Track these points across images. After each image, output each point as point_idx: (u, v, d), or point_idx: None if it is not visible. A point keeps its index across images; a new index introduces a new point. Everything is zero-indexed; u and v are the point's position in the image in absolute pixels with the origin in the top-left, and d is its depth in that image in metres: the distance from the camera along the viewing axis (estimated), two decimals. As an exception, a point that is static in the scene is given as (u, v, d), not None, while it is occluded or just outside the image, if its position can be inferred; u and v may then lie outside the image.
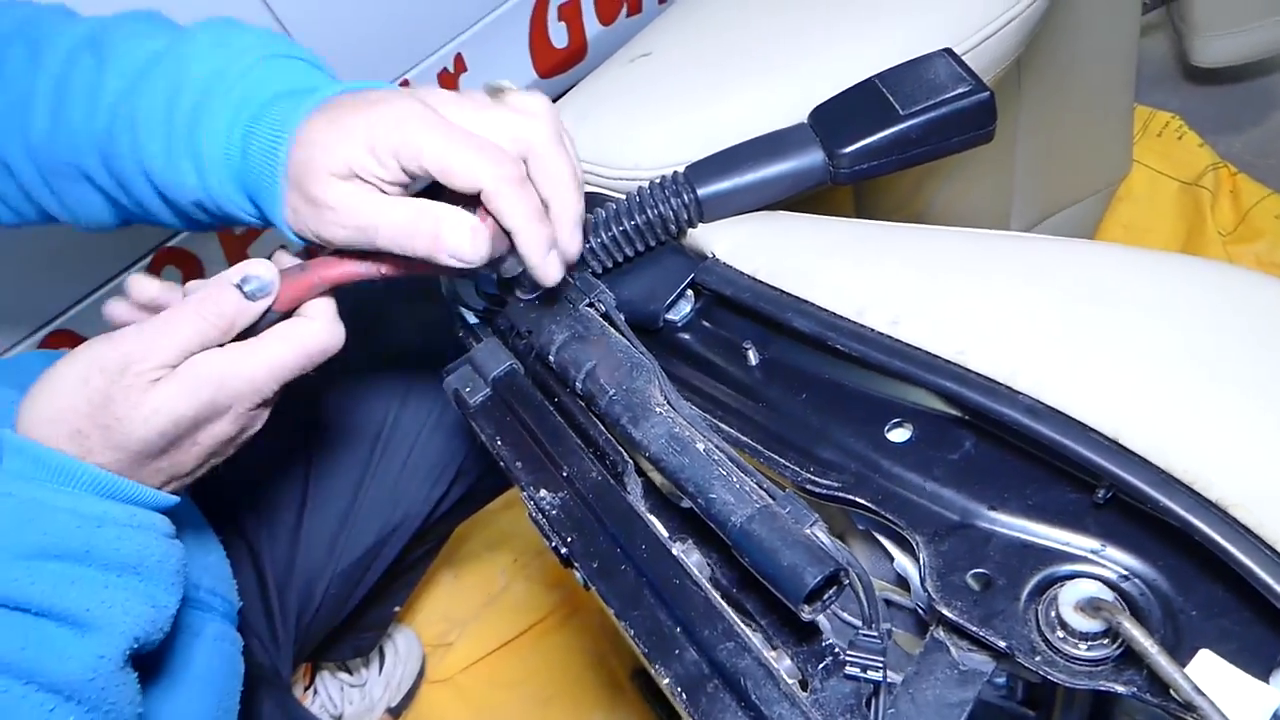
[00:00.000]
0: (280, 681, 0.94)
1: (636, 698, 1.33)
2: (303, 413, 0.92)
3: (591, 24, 1.58)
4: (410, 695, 1.43)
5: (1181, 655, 0.42)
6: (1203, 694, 0.38)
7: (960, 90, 0.61)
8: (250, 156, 0.55)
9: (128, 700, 0.53)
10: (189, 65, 0.57)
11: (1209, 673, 0.41)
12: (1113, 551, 0.47)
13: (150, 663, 0.61)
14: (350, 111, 0.54)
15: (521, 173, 0.54)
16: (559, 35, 1.55)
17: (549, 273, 0.56)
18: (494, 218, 0.54)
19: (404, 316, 0.98)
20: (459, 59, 1.43)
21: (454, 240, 0.53)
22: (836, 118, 0.65)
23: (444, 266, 0.54)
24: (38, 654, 0.49)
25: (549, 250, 0.55)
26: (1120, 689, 0.42)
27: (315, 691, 1.37)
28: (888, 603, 0.57)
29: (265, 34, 0.60)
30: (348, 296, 0.59)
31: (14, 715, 0.47)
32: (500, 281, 0.69)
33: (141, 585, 0.53)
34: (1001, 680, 0.56)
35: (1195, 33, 1.46)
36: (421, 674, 1.45)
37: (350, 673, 1.38)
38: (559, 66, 1.59)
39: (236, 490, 0.90)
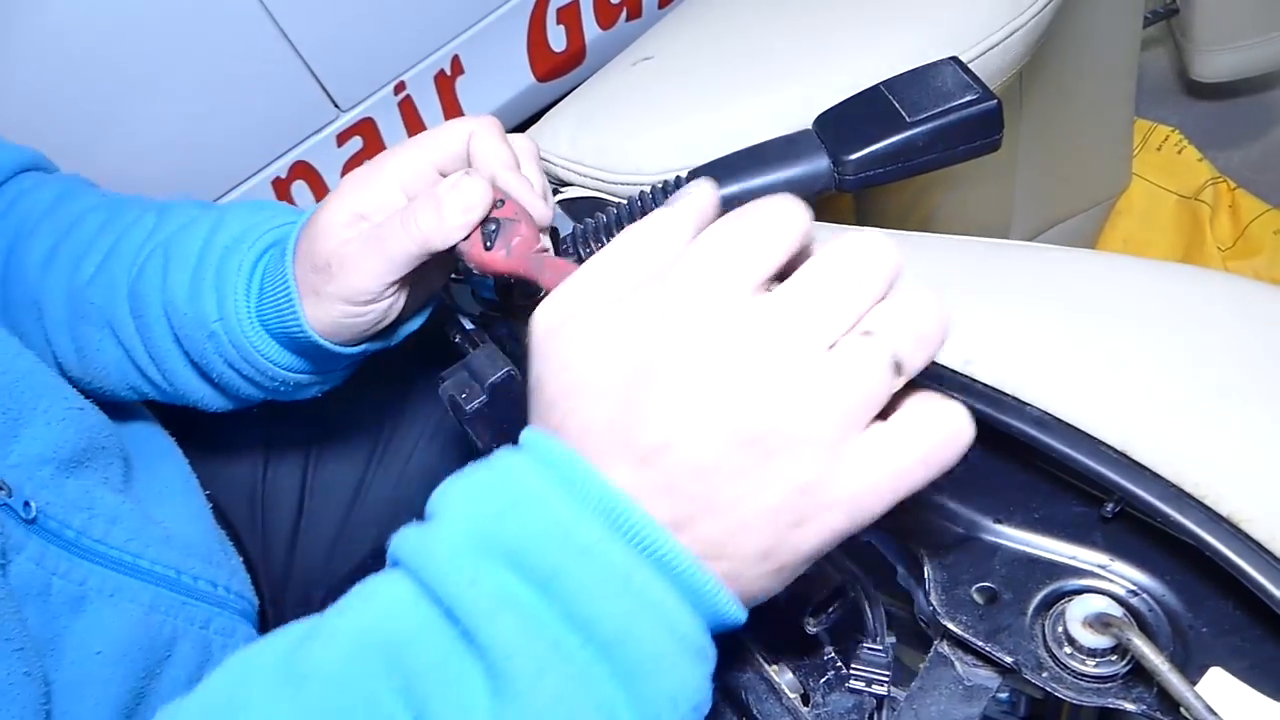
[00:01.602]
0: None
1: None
2: (300, 421, 0.91)
3: (591, 27, 1.58)
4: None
5: (1191, 673, 0.42)
6: (1215, 713, 0.38)
7: (968, 98, 0.61)
8: (267, 270, 0.59)
9: None
10: (228, 217, 0.62)
11: (1220, 691, 0.40)
12: (1121, 566, 0.46)
13: (176, 665, 0.61)
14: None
15: (502, 130, 0.56)
16: (558, 38, 1.55)
17: (544, 209, 0.55)
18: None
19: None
20: (456, 61, 1.42)
21: (452, 191, 0.52)
22: (842, 124, 0.64)
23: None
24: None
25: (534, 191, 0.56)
26: (1130, 706, 0.42)
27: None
28: (889, 615, 0.56)
29: (301, 210, 0.63)
30: None
31: None
32: (499, 288, 0.68)
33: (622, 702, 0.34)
34: (1004, 695, 0.56)
35: (1196, 47, 1.46)
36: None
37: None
38: (557, 70, 1.58)
39: (233, 499, 0.89)
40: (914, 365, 0.35)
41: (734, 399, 0.34)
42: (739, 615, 0.36)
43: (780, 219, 0.36)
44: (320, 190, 1.30)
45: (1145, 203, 1.58)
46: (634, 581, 0.34)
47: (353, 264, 0.54)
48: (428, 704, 0.34)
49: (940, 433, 0.35)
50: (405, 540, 0.37)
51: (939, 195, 1.13)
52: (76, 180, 0.74)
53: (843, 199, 0.94)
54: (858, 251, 0.36)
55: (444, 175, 0.56)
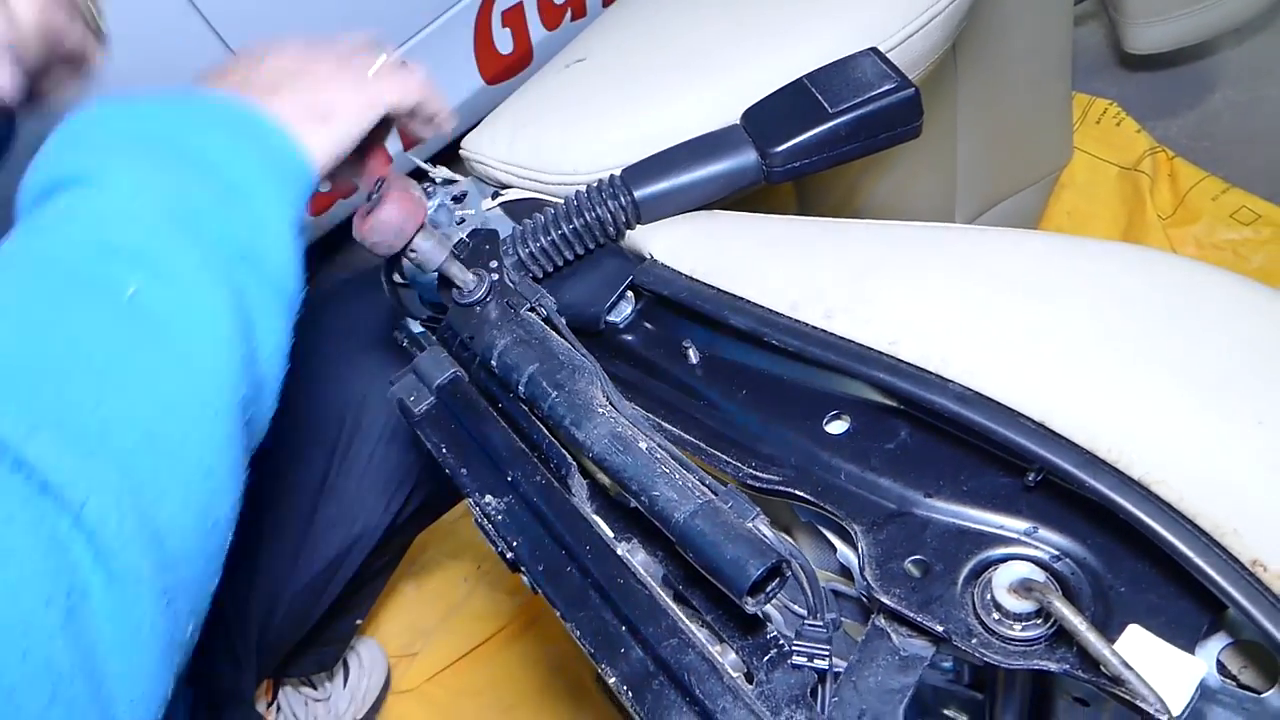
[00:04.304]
0: (244, 701, 0.93)
1: (601, 701, 1.33)
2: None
3: (536, 29, 1.58)
4: (376, 707, 1.42)
5: (1112, 631, 0.43)
6: (1130, 668, 0.39)
7: (886, 88, 0.62)
8: None
9: None
10: None
11: (1137, 647, 0.42)
12: (1045, 533, 0.48)
13: None
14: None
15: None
16: (504, 41, 1.55)
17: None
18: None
19: (356, 326, 0.98)
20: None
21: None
22: (768, 118, 0.65)
23: None
24: None
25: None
26: (1053, 667, 0.43)
27: (278, 708, 1.35)
28: (836, 593, 0.58)
29: None
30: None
31: None
32: (441, 287, 0.69)
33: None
34: (948, 664, 0.57)
35: (1128, 20, 1.49)
36: (387, 685, 1.44)
37: (314, 687, 1.37)
38: (505, 72, 1.59)
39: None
40: None
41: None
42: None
43: None
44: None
45: (1087, 175, 1.61)
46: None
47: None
48: None
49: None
50: None
51: (881, 179, 1.14)
52: None
53: (784, 189, 0.96)
54: None
55: None
